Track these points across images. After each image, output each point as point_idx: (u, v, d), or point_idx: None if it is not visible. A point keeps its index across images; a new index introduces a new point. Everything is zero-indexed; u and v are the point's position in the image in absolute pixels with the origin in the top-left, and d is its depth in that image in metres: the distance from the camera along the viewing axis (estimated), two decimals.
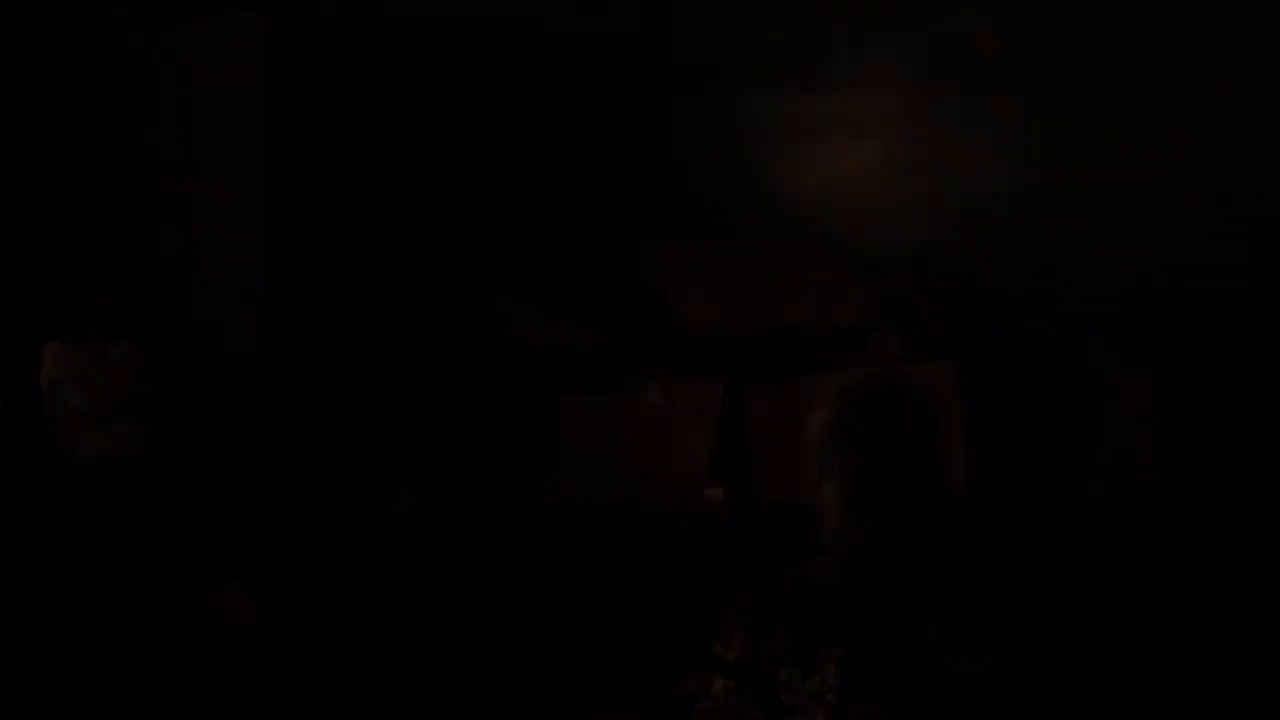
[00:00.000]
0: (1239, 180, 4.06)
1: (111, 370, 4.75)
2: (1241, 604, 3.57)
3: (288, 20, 5.67)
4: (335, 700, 2.52)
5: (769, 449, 4.23)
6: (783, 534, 2.77)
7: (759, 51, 4.90)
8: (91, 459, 4.65)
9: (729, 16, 4.96)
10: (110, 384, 4.72)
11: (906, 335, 4.02)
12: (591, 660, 3.37)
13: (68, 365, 4.70)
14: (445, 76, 5.61)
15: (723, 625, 1.79)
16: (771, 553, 2.76)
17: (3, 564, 4.12)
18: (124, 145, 5.97)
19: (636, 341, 4.67)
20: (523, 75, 5.44)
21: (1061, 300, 4.38)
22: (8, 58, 5.64)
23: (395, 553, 2.54)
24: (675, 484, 4.18)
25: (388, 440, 4.77)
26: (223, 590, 3.42)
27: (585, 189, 5.34)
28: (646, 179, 5.16)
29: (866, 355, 3.99)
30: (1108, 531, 3.96)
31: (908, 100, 4.65)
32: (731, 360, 4.44)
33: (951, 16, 4.52)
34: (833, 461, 1.78)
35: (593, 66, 5.29)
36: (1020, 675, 1.73)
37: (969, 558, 1.82)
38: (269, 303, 5.76)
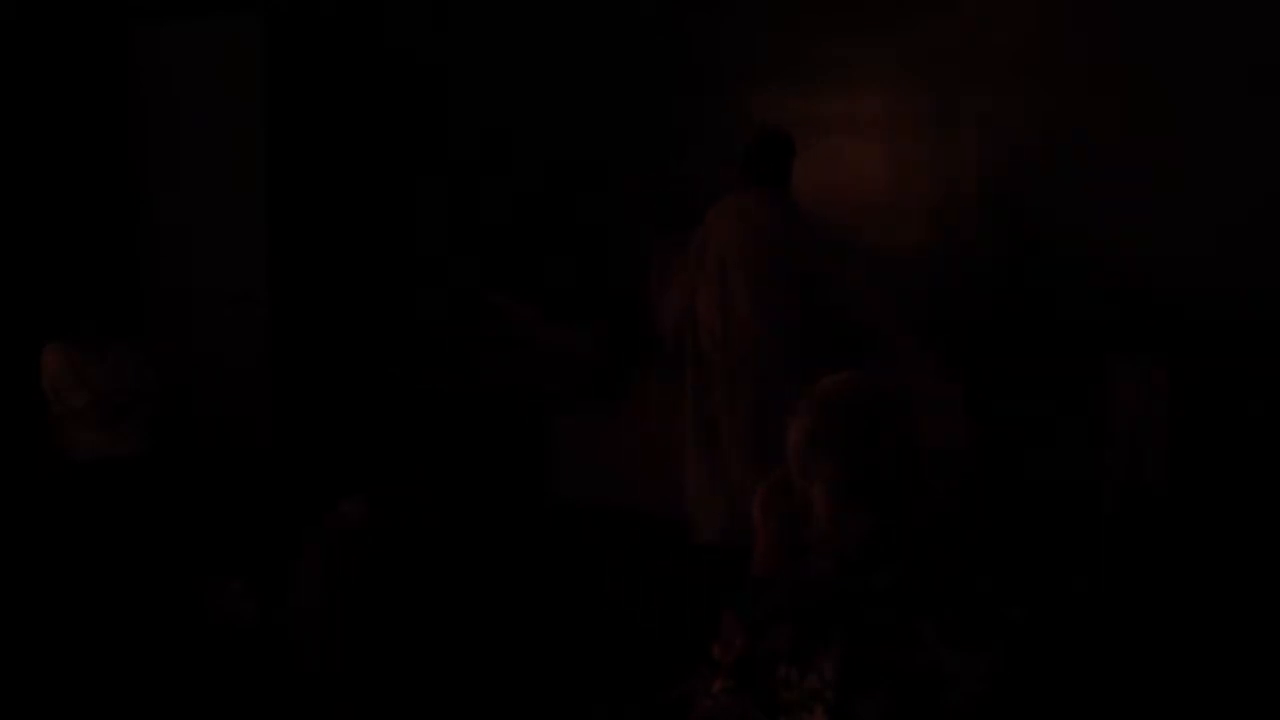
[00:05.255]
0: (1241, 179, 4.06)
1: (111, 370, 4.75)
2: (1245, 604, 3.57)
3: (287, 19, 5.67)
4: (319, 700, 2.51)
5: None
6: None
7: (759, 51, 4.90)
8: (91, 459, 4.65)
9: (729, 16, 4.96)
10: (110, 384, 4.71)
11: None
12: (590, 660, 3.37)
13: (68, 365, 4.69)
14: (445, 75, 5.61)
15: (722, 625, 1.80)
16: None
17: (3, 564, 4.12)
18: (125, 145, 5.97)
19: (633, 343, 4.67)
20: (523, 74, 5.45)
21: (1063, 300, 4.38)
22: (9, 58, 5.64)
23: (349, 558, 2.52)
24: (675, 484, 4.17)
25: (375, 444, 4.78)
26: (222, 590, 3.42)
27: (585, 189, 5.34)
28: (647, 179, 5.16)
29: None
30: (1114, 531, 3.95)
31: (908, 100, 4.65)
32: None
33: (952, 16, 4.52)
34: (817, 463, 1.79)
35: (593, 66, 5.29)
36: (1020, 674, 1.73)
37: (969, 556, 1.82)
38: (270, 300, 5.77)
